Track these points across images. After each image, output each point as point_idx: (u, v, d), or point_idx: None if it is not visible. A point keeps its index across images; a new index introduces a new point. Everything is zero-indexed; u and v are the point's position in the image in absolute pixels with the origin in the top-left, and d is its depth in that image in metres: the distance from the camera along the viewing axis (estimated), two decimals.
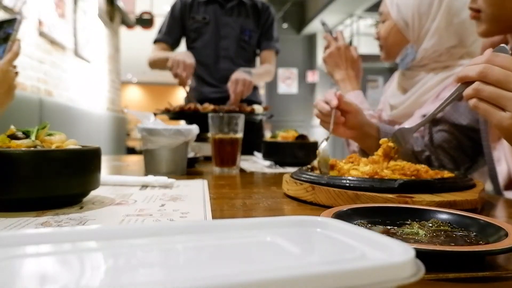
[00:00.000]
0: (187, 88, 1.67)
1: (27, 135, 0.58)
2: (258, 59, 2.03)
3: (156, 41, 1.91)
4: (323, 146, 0.77)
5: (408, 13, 1.10)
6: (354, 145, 1.17)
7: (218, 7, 1.87)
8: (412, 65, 1.15)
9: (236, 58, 1.88)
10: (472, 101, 0.55)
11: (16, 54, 0.93)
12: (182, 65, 1.60)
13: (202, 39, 1.87)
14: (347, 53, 1.22)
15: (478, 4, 0.78)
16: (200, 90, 1.90)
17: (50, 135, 0.60)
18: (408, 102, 1.14)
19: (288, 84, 7.48)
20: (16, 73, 0.95)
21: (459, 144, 0.99)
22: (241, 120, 1.06)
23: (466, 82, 0.57)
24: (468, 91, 0.55)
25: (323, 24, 1.29)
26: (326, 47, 1.25)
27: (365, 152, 1.03)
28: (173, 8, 1.89)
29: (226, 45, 1.87)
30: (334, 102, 0.90)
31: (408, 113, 1.13)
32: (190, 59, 1.63)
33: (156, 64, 1.86)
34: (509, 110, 0.51)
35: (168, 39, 1.89)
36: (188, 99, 1.75)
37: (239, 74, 1.68)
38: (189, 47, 1.91)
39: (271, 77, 1.99)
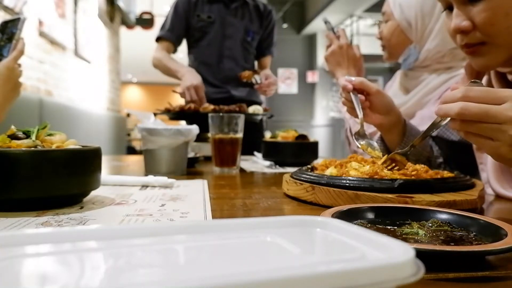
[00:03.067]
0: (206, 105, 1.58)
1: (27, 135, 0.58)
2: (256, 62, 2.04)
3: (159, 39, 1.87)
4: (357, 141, 0.79)
5: (411, 13, 1.09)
6: (355, 145, 1.16)
7: (222, 6, 1.86)
8: (414, 66, 1.14)
9: (239, 58, 1.88)
10: (461, 133, 0.56)
11: (21, 52, 0.94)
12: (193, 89, 1.62)
13: (207, 38, 1.86)
14: (349, 51, 1.22)
15: (477, 37, 0.68)
16: None
17: (50, 135, 0.60)
18: (411, 103, 1.13)
19: (288, 84, 7.48)
20: (21, 71, 0.96)
21: (459, 160, 0.98)
22: (241, 120, 1.06)
23: None
24: (454, 126, 0.56)
25: (326, 22, 1.27)
26: (328, 46, 1.24)
27: (386, 148, 0.98)
28: (176, 6, 1.86)
29: (230, 45, 1.86)
30: (349, 86, 0.84)
31: (410, 113, 1.12)
32: (196, 79, 1.66)
33: (160, 69, 1.86)
34: (498, 140, 0.52)
35: (172, 36, 1.86)
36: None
37: (270, 73, 1.86)
38: (193, 46, 1.90)
39: None
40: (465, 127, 0.54)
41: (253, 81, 1.78)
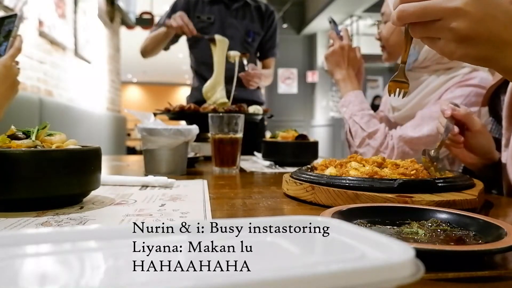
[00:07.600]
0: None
1: (27, 135, 0.58)
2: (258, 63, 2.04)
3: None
4: (431, 153, 0.73)
5: None
6: (354, 147, 1.16)
7: (223, 7, 1.86)
8: (414, 67, 1.14)
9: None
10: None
11: (19, 50, 0.93)
12: (178, 17, 1.64)
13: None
14: (350, 53, 1.21)
15: None
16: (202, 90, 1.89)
17: (50, 135, 0.60)
18: (411, 104, 1.13)
19: (288, 84, 7.47)
20: (18, 69, 0.96)
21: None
22: (241, 120, 1.06)
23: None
24: (413, 33, 0.54)
25: (331, 21, 1.27)
26: (331, 45, 1.24)
27: None
28: (174, 6, 1.88)
29: (230, 45, 1.86)
30: (447, 112, 0.77)
31: (411, 114, 1.12)
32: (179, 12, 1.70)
33: (149, 46, 1.86)
34: (443, 38, 0.50)
35: None
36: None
37: (255, 66, 1.79)
38: (193, 47, 1.91)
39: (270, 81, 2.05)
40: (413, 33, 0.52)
41: (244, 62, 1.74)
